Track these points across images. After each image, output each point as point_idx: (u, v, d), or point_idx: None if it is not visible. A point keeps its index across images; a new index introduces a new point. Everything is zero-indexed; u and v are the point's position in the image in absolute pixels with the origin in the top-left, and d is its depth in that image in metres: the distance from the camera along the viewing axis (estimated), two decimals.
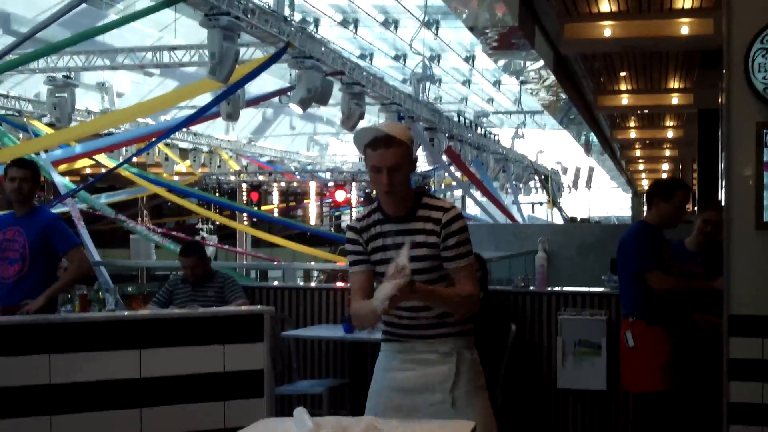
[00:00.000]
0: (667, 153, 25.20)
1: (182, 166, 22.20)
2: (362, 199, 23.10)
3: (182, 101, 16.99)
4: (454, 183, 24.38)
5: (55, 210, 17.94)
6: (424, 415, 3.33)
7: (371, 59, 22.07)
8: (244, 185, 22.01)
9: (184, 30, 18.53)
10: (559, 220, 31.88)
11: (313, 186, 22.01)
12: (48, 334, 3.46)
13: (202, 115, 12.80)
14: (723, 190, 4.97)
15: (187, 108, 18.57)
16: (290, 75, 13.58)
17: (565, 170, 39.77)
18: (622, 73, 13.85)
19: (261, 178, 22.60)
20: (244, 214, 21.26)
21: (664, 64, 13.14)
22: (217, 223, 22.30)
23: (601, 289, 6.69)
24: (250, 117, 25.06)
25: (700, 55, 12.32)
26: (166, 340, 3.66)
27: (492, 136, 24.88)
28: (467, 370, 3.43)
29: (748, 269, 4.77)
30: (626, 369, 5.38)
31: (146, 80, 20.13)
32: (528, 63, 17.74)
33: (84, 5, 11.29)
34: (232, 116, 12.49)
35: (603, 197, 49.51)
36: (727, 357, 4.72)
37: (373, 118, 25.35)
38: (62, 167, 16.61)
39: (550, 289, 6.74)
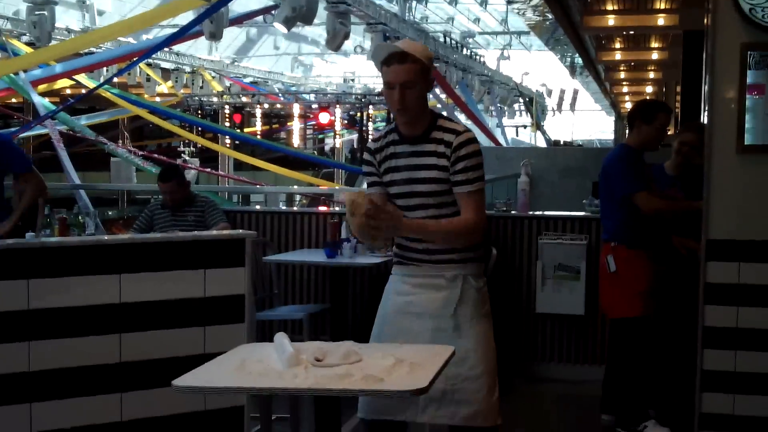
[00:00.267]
0: (652, 75, 25.13)
1: (164, 87, 21.96)
2: (346, 121, 22.95)
3: (164, 19, 16.73)
4: (438, 105, 24.26)
5: (35, 132, 17.85)
6: (424, 340, 3.34)
7: None
8: (227, 107, 21.81)
9: None
10: (542, 143, 31.86)
11: (296, 108, 21.83)
12: (26, 259, 3.42)
13: (184, 33, 12.59)
14: (705, 113, 4.95)
15: (169, 27, 18.31)
16: None
17: (549, 93, 39.60)
18: None
19: (244, 99, 22.40)
20: (227, 137, 21.11)
21: None
22: (199, 145, 22.15)
23: (582, 214, 6.71)
24: (233, 37, 24.77)
25: None
26: (147, 265, 3.63)
27: (478, 57, 24.69)
28: (472, 297, 3.43)
29: (728, 193, 4.77)
30: (606, 294, 5.41)
31: None
32: None
33: None
34: (216, 35, 12.34)
35: (586, 121, 49.44)
36: (704, 281, 4.75)
37: (358, 38, 25.08)
38: (42, 87, 16.39)
39: (531, 213, 6.76)
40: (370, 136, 18.86)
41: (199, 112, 21.20)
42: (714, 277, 4.74)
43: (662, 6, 14.62)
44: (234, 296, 3.75)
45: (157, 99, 21.71)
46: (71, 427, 3.46)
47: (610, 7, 14.89)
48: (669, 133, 5.77)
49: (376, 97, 21.29)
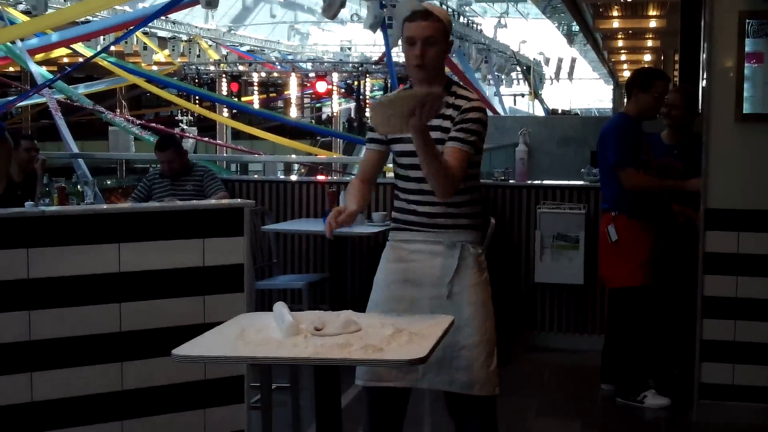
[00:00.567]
0: (650, 44, 25.02)
1: (161, 56, 21.87)
2: (343, 90, 22.88)
3: None
4: None
5: (32, 101, 17.81)
6: (422, 308, 3.35)
7: None
8: (224, 76, 21.73)
9: None
10: (540, 112, 31.80)
11: (293, 77, 21.75)
12: (26, 228, 3.42)
13: (181, 2, 12.55)
14: (704, 81, 4.93)
15: None
16: None
17: (547, 61, 39.47)
18: None
19: (241, 68, 22.31)
20: (224, 106, 21.06)
21: None
22: (197, 114, 22.10)
23: (580, 183, 6.70)
24: (229, 5, 24.65)
25: None
26: (146, 234, 3.63)
27: (475, 26, 24.57)
28: (470, 265, 3.42)
29: (727, 162, 4.78)
30: (606, 264, 5.37)
31: None
32: None
33: None
34: (212, 3, 12.27)
35: (584, 89, 49.32)
36: (703, 251, 4.75)
37: (354, 6, 24.95)
38: (39, 57, 16.33)
39: (529, 182, 6.75)
40: (368, 105, 18.82)
41: (196, 80, 21.13)
42: (713, 246, 4.74)
43: None
44: (233, 266, 3.76)
45: (154, 68, 21.62)
46: (72, 396, 3.47)
47: None
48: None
49: (373, 66, 21.22)
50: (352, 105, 24.46)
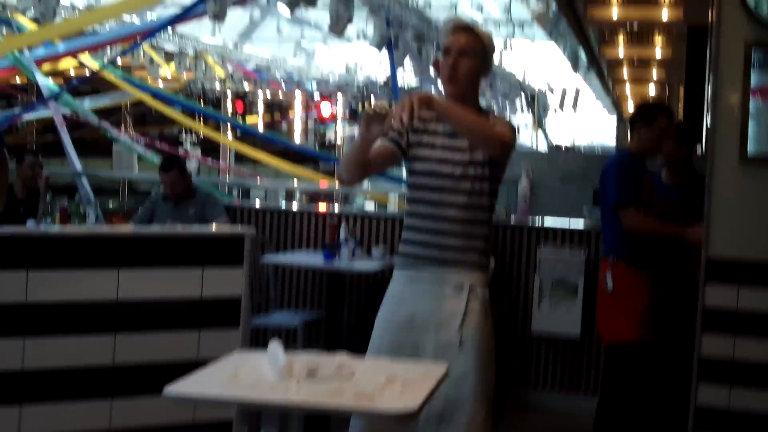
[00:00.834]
0: (655, 76, 25.01)
1: (167, 71, 21.85)
2: (348, 115, 22.84)
3: None
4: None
5: (37, 114, 17.74)
6: (428, 354, 3.25)
7: None
8: (229, 93, 21.65)
9: None
10: (543, 144, 31.74)
11: (298, 96, 21.68)
12: (27, 248, 3.36)
13: (188, 14, 12.53)
14: (708, 115, 4.65)
15: (173, 6, 18.22)
16: None
17: (552, 90, 39.41)
18: None
19: (246, 87, 22.26)
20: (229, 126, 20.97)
21: None
22: (201, 134, 22.02)
23: (581, 227, 6.59)
24: (236, 19, 24.63)
25: None
26: (146, 259, 3.58)
27: None
28: (476, 310, 3.32)
29: (730, 207, 4.42)
30: (602, 315, 5.09)
31: None
32: None
33: None
34: (219, 16, 12.23)
35: (588, 124, 49.12)
36: (702, 306, 4.40)
37: (361, 24, 24.92)
38: (46, 67, 16.29)
39: (530, 224, 6.62)
40: None
41: (202, 98, 21.07)
42: (712, 300, 4.40)
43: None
44: (231, 299, 3.70)
45: (160, 84, 21.60)
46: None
47: None
48: None
49: (378, 89, 21.13)
50: (356, 130, 24.33)
